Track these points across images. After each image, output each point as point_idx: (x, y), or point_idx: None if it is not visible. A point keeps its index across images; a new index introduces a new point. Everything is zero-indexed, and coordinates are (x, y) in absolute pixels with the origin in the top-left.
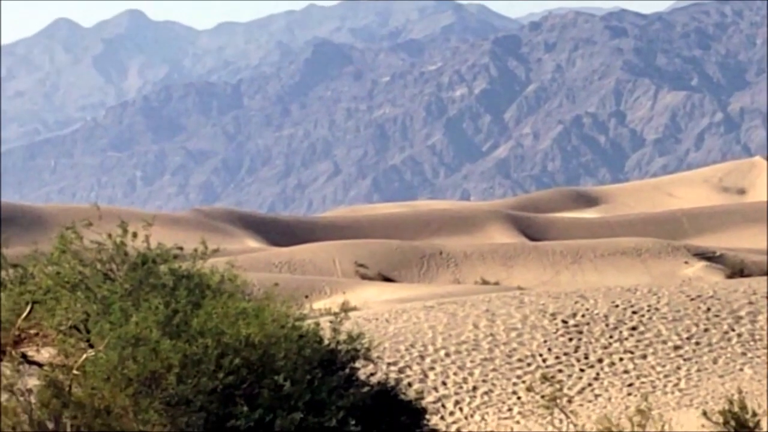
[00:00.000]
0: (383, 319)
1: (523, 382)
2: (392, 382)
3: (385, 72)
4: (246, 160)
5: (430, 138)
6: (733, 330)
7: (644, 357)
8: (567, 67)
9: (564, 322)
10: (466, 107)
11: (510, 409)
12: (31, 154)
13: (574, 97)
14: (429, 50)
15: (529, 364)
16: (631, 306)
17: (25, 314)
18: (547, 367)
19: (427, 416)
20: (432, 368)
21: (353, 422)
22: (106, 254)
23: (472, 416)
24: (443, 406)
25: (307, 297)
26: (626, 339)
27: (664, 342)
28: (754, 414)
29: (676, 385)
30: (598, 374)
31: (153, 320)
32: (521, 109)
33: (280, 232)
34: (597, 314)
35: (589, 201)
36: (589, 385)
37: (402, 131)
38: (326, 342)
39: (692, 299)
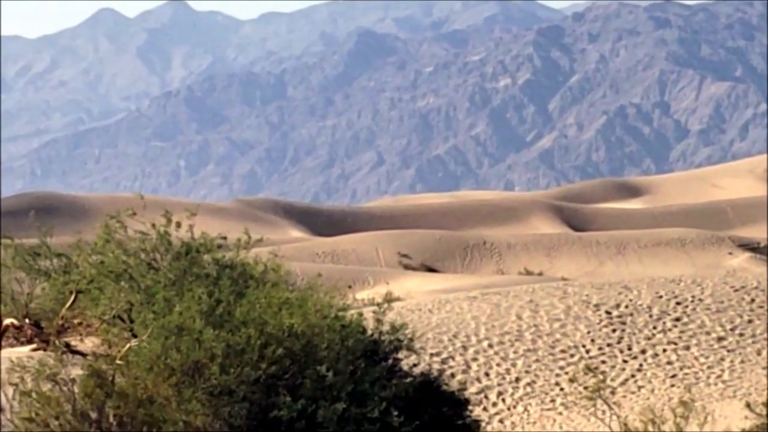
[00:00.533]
0: (426, 310)
1: (566, 373)
2: (435, 373)
3: (428, 62)
4: (289, 150)
5: (474, 128)
6: None
7: (687, 348)
8: (611, 57)
9: (607, 313)
10: (510, 97)
11: (553, 401)
12: (76, 143)
13: (617, 88)
14: (473, 40)
15: (572, 355)
16: (675, 297)
17: (68, 304)
18: (591, 358)
19: (470, 407)
20: (475, 359)
21: (396, 413)
22: (150, 244)
23: (515, 407)
24: (486, 397)
25: (350, 287)
26: (670, 330)
27: (708, 333)
28: None
29: (719, 376)
30: (641, 365)
31: (196, 310)
32: (565, 100)
33: (323, 223)
34: (640, 305)
35: (633, 192)
36: (632, 376)
37: (446, 121)
38: (369, 332)
39: (736, 290)
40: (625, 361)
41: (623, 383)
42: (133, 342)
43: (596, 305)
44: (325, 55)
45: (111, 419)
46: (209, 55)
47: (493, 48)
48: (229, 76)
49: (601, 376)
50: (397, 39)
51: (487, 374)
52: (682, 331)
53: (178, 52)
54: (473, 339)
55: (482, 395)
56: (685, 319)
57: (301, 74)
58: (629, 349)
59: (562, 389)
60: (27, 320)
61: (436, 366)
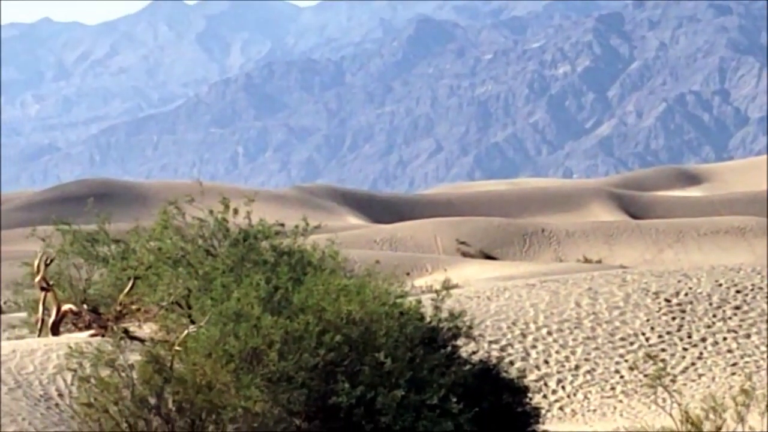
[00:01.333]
0: (485, 297)
1: (626, 360)
2: (494, 361)
3: (487, 49)
4: (348, 137)
5: (533, 115)
6: None
7: (748, 336)
8: (671, 44)
9: (667, 300)
10: (569, 85)
11: (613, 388)
12: (135, 130)
13: (677, 75)
14: (532, 27)
15: (631, 343)
16: (735, 285)
17: (126, 290)
18: (650, 346)
19: (530, 394)
20: (534, 346)
21: (455, 400)
22: (208, 230)
23: (574, 395)
24: (546, 384)
25: (408, 274)
26: (730, 318)
27: None
28: None
29: None
30: (701, 353)
31: (254, 296)
32: (624, 87)
33: (381, 210)
34: (700, 293)
35: (692, 179)
36: (693, 364)
37: (504, 108)
38: (428, 319)
39: None
40: (685, 349)
41: (683, 371)
42: (192, 328)
43: (655, 293)
44: (384, 41)
45: (170, 405)
46: (268, 41)
47: (552, 35)
48: (288, 62)
49: (661, 364)
50: (457, 26)
51: (546, 362)
52: (742, 320)
53: (237, 38)
54: (532, 326)
55: (542, 383)
56: (745, 308)
57: (360, 61)
58: (689, 337)
59: (622, 377)
60: (85, 306)
61: (495, 353)
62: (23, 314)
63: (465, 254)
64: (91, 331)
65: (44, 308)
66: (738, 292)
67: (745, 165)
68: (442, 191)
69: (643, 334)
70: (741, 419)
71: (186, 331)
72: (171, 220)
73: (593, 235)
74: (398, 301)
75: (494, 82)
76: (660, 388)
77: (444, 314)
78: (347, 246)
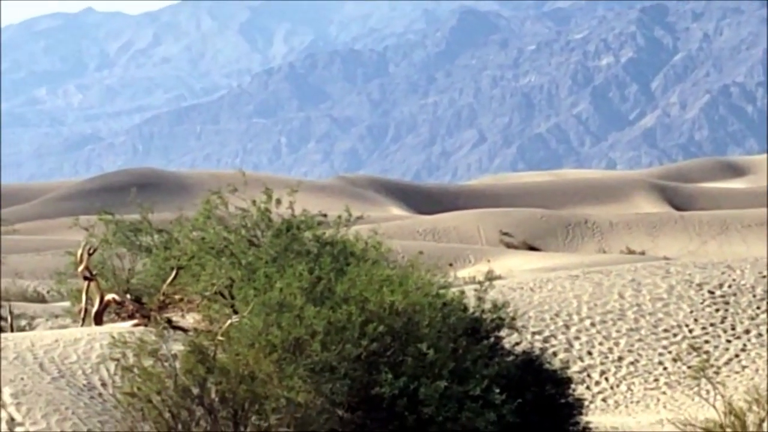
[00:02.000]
0: (528, 288)
1: (669, 352)
2: (537, 352)
3: (531, 40)
4: (391, 128)
5: (576, 106)
6: None
7: None
8: (714, 36)
9: (710, 292)
10: (613, 76)
11: (656, 380)
12: (177, 120)
13: (721, 67)
14: (575, 18)
15: (675, 335)
16: None
17: (169, 279)
18: (694, 337)
19: (573, 386)
20: (577, 338)
21: (497, 391)
22: (251, 220)
23: (618, 386)
24: (589, 375)
25: (451, 265)
26: None
27: None
28: None
29: None
30: (745, 345)
31: (297, 287)
32: (668, 78)
33: (424, 200)
34: (744, 285)
35: (736, 171)
36: (736, 356)
37: (548, 99)
38: (471, 310)
39: None
40: (728, 341)
41: (727, 363)
42: (234, 318)
43: (699, 285)
44: (427, 32)
45: (213, 395)
46: (311, 31)
47: (595, 26)
48: (331, 53)
49: (704, 356)
50: (500, 16)
51: (589, 353)
52: None
53: (280, 28)
54: (575, 318)
55: (585, 374)
56: None
57: (403, 51)
58: (733, 329)
59: (665, 368)
60: (128, 296)
61: (538, 344)
62: (66, 304)
63: (508, 245)
64: (134, 321)
65: (87, 298)
66: None
67: None
68: (485, 182)
69: (687, 325)
70: None
71: (229, 321)
72: (214, 210)
73: (636, 226)
74: (441, 291)
75: (537, 73)
76: (703, 380)
77: (487, 305)
78: (390, 237)
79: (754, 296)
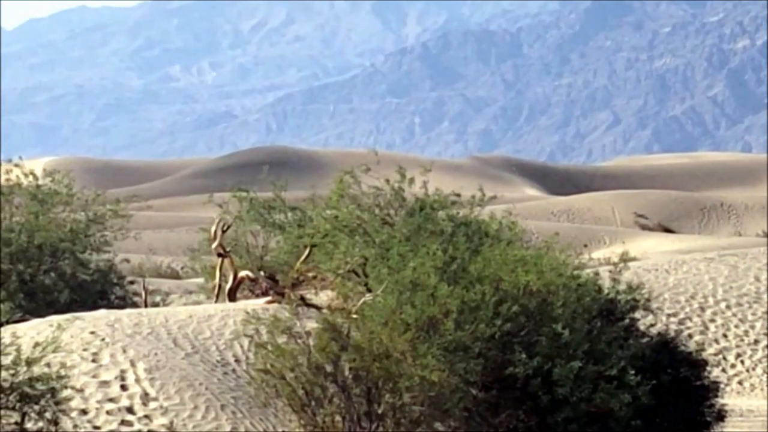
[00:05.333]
0: (663, 270)
1: None
2: (672, 334)
3: (666, 22)
4: (525, 109)
5: (711, 89)
6: None
7: None
8: None
9: None
10: (749, 59)
11: None
12: (311, 98)
13: None
14: (711, 1)
15: None
16: None
17: (303, 257)
18: None
19: (708, 368)
20: (713, 320)
21: (633, 372)
22: (384, 199)
23: (753, 369)
24: (724, 358)
25: (585, 246)
26: None
27: None
28: None
29: None
30: None
31: (431, 266)
32: None
33: (558, 181)
34: None
35: None
36: None
37: (683, 82)
38: (605, 292)
39: None
40: None
41: None
42: (368, 296)
43: None
44: (561, 13)
45: (346, 373)
46: (444, 12)
47: (731, 9)
48: (465, 33)
49: None
50: None
51: (725, 335)
52: None
53: (414, 8)
54: (710, 300)
55: (720, 356)
56: None
57: (537, 33)
58: None
59: None
60: (262, 273)
61: (673, 326)
62: (200, 280)
63: (643, 227)
64: (268, 298)
65: (221, 274)
66: None
67: None
68: (619, 164)
69: None
70: None
71: (362, 299)
72: (347, 188)
73: None
74: (576, 272)
75: (672, 56)
76: None
77: (622, 286)
78: (524, 217)
79: None
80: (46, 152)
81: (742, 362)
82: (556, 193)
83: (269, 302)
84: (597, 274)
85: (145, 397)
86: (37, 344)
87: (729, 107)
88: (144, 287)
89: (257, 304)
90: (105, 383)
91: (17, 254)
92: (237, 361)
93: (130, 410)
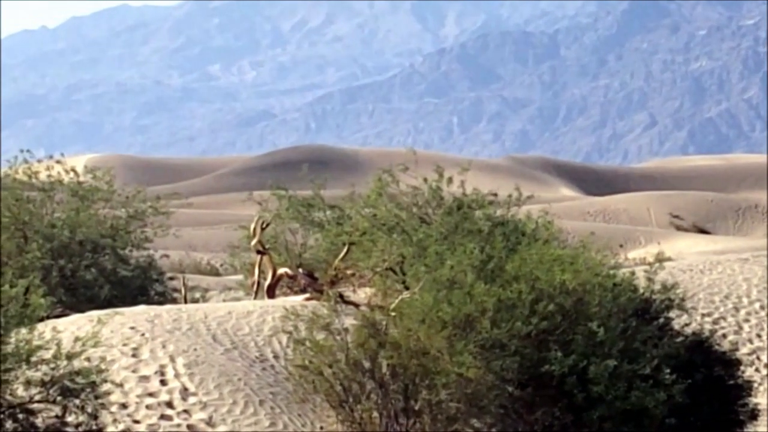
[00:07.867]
0: (698, 270)
1: None
2: (706, 333)
3: (702, 25)
4: (562, 110)
5: (747, 92)
6: None
7: None
8: None
9: None
10: None
11: None
12: (350, 98)
13: None
14: (747, 4)
15: None
16: None
17: (341, 255)
18: None
19: (742, 368)
20: (747, 320)
21: (667, 371)
22: (422, 198)
23: None
24: (758, 358)
25: (621, 246)
26: None
27: None
28: None
29: None
30: None
31: (468, 264)
32: None
33: (595, 182)
34: None
35: None
36: None
37: (719, 84)
38: (641, 291)
39: None
40: None
41: None
42: (406, 294)
43: None
44: (598, 15)
45: (384, 369)
46: (482, 13)
47: (767, 12)
48: (503, 34)
49: None
50: (671, 1)
51: (758, 335)
52: None
53: (452, 9)
54: (745, 300)
55: (754, 356)
56: None
57: (574, 34)
58: None
59: None
60: (300, 270)
61: (707, 326)
62: (239, 277)
63: (678, 228)
64: (306, 295)
65: (260, 271)
66: None
67: None
68: (655, 165)
69: None
70: None
71: (400, 297)
72: (386, 187)
73: None
74: (611, 272)
75: (708, 58)
76: None
77: (657, 286)
78: (560, 217)
79: None
80: (87, 149)
81: None
82: (592, 193)
83: (308, 299)
84: (633, 273)
85: (185, 392)
86: (77, 339)
87: (764, 109)
88: (183, 283)
89: (296, 300)
90: (145, 378)
91: (58, 250)
92: (276, 357)
93: (169, 405)
